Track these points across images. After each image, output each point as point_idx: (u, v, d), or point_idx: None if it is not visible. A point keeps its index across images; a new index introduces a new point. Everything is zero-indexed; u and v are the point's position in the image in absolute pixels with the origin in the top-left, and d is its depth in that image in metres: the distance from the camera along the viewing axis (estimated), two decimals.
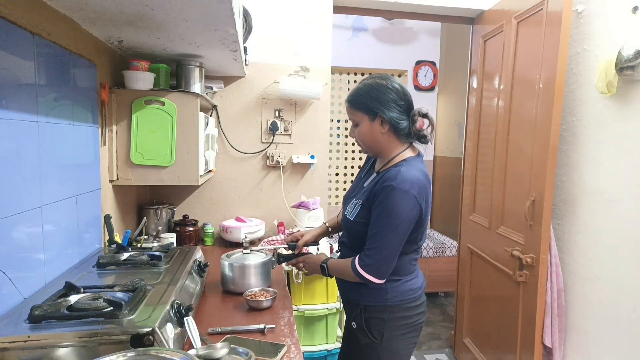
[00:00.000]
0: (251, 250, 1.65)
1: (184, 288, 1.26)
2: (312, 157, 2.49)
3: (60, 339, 0.87)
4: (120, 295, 1.07)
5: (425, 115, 1.35)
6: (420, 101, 4.43)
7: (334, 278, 1.54)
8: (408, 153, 1.37)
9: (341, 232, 1.59)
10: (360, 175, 1.54)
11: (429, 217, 1.36)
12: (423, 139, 1.37)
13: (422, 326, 1.44)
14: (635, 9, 1.69)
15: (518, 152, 2.08)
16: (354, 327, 1.40)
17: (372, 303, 1.36)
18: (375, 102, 1.31)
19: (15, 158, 1.04)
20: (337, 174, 4.54)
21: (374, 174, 1.41)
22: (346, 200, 1.49)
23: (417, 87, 4.42)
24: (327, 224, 1.71)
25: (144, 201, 2.23)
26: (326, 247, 2.22)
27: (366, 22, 4.23)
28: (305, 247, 1.70)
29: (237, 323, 1.29)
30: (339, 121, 4.48)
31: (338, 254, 1.54)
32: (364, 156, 4.67)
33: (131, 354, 0.80)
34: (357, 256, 1.32)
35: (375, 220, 1.28)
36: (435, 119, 4.55)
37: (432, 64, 4.42)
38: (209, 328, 1.23)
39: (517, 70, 2.11)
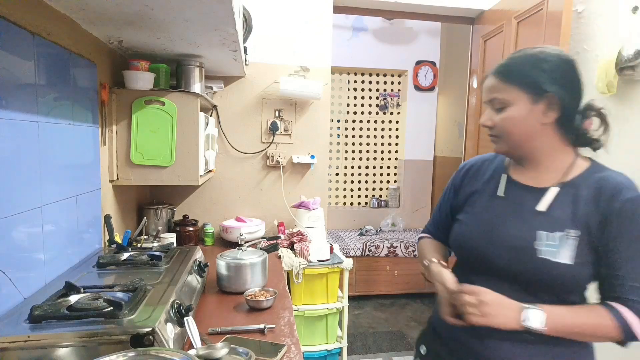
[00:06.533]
0: (247, 249, 1.64)
1: (184, 288, 1.25)
2: (312, 157, 2.49)
3: (60, 339, 0.87)
4: (120, 295, 1.07)
5: (600, 113, 0.96)
6: (420, 101, 4.44)
7: (438, 324, 1.09)
8: (585, 160, 0.97)
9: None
10: (478, 189, 1.06)
11: None
12: (594, 144, 0.97)
13: None
14: (635, 9, 1.69)
15: None
16: None
17: None
18: (546, 77, 0.91)
19: (15, 158, 1.04)
20: (337, 174, 4.55)
21: (556, 189, 0.94)
22: (499, 237, 0.96)
23: (417, 87, 4.42)
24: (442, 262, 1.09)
25: (144, 201, 2.23)
26: (326, 247, 2.22)
27: (366, 22, 4.23)
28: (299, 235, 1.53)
29: (237, 323, 1.29)
30: (339, 121, 4.49)
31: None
32: (364, 156, 4.70)
33: (131, 354, 0.80)
34: (628, 310, 0.86)
35: (631, 246, 0.88)
36: (435, 119, 4.55)
37: (432, 64, 4.42)
38: (209, 328, 1.23)
39: None
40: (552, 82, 0.91)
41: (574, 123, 0.95)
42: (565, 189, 0.94)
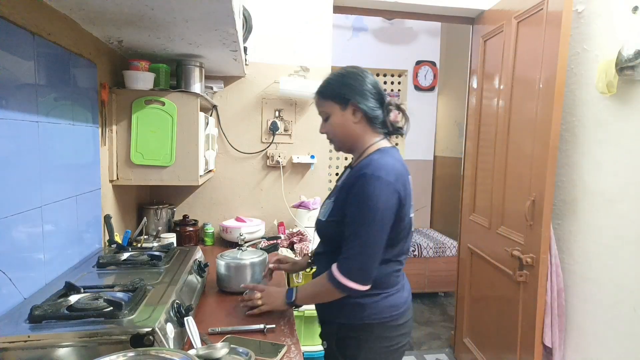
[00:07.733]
0: (247, 249, 1.63)
1: (184, 288, 1.26)
2: (312, 157, 2.49)
3: (60, 339, 0.87)
4: (120, 295, 1.07)
5: (399, 107, 1.29)
6: (420, 101, 4.44)
7: None
8: (383, 143, 1.26)
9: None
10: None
11: (411, 216, 1.24)
12: (398, 131, 1.29)
13: (405, 349, 1.27)
14: (635, 9, 1.69)
15: (518, 152, 2.08)
16: (324, 347, 1.28)
17: (347, 321, 1.22)
18: (346, 89, 1.21)
19: (15, 158, 1.04)
20: (337, 174, 4.54)
21: (348, 170, 1.30)
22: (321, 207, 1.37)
23: (417, 87, 4.42)
24: (310, 255, 1.52)
25: (144, 201, 2.23)
26: None
27: (366, 22, 4.23)
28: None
29: (237, 323, 1.29)
30: None
31: (313, 269, 1.39)
32: None
33: (131, 354, 0.80)
34: (334, 265, 1.15)
35: (351, 215, 1.14)
36: (435, 119, 4.55)
37: (432, 64, 4.42)
38: (209, 328, 1.23)
39: (517, 70, 2.11)
40: (351, 92, 1.20)
41: (379, 118, 1.23)
42: (353, 169, 1.23)
